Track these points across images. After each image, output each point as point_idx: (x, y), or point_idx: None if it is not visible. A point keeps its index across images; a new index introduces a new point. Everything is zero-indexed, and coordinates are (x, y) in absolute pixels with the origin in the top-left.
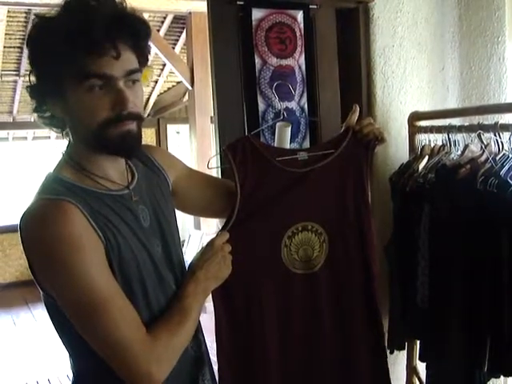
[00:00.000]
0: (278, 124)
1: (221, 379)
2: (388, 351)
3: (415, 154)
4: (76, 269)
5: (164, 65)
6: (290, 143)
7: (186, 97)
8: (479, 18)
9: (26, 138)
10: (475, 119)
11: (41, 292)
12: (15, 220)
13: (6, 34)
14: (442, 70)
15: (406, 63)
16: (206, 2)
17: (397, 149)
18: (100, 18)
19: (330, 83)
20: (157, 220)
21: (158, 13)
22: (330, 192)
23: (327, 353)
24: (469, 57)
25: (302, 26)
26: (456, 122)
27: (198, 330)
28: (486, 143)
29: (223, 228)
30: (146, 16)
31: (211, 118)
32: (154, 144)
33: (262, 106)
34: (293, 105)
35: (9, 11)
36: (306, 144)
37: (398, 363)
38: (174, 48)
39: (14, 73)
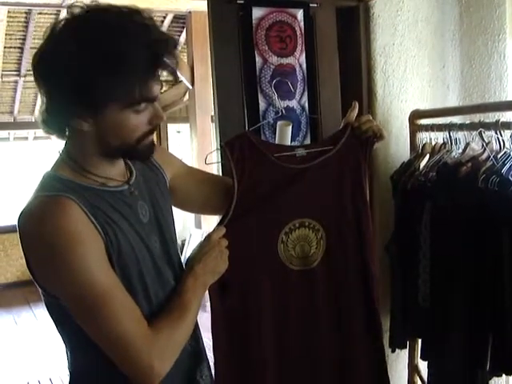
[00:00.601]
0: (278, 123)
1: (217, 375)
2: (389, 350)
3: (416, 152)
4: (76, 264)
5: None
6: (291, 142)
7: (187, 96)
8: (480, 16)
9: (26, 138)
10: (476, 117)
11: (39, 289)
12: (16, 220)
13: (6, 34)
14: (443, 68)
15: (407, 61)
16: (206, 1)
17: (398, 147)
18: (162, 45)
19: (331, 82)
20: (155, 216)
21: (158, 12)
22: (327, 188)
23: (324, 350)
24: (469, 55)
25: (302, 24)
26: (457, 120)
27: (196, 326)
28: (487, 141)
29: (220, 223)
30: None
31: (212, 117)
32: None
33: (262, 104)
34: (293, 103)
35: (9, 11)
36: (307, 143)
37: (399, 362)
38: None
39: (15, 73)
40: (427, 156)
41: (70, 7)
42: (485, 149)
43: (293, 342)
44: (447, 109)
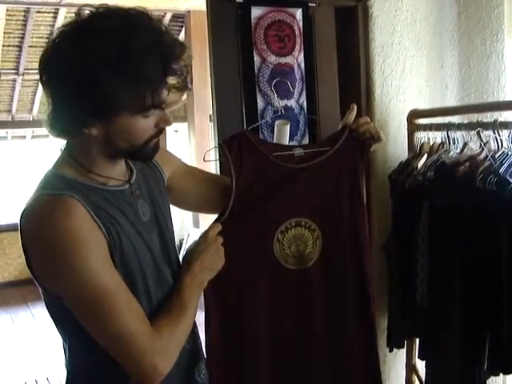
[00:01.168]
0: (276, 122)
1: (210, 374)
2: (387, 349)
3: (414, 151)
4: (80, 264)
5: None
6: (289, 141)
7: (185, 95)
8: (478, 16)
9: (24, 137)
10: (474, 117)
11: (39, 288)
12: (14, 219)
13: (4, 33)
14: (441, 67)
15: (405, 61)
16: (204, 1)
17: (396, 147)
18: (175, 52)
19: (329, 81)
20: (155, 214)
21: (157, 11)
22: (324, 189)
23: (318, 349)
24: (468, 55)
25: (301, 24)
26: (455, 119)
27: (194, 325)
28: (485, 141)
29: (216, 220)
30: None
31: (210, 116)
32: None
33: (260, 104)
34: (292, 103)
35: (8, 9)
36: (305, 142)
37: (397, 361)
38: None
39: (13, 71)
40: (425, 156)
41: (79, 9)
42: (483, 148)
43: (287, 341)
44: (445, 108)
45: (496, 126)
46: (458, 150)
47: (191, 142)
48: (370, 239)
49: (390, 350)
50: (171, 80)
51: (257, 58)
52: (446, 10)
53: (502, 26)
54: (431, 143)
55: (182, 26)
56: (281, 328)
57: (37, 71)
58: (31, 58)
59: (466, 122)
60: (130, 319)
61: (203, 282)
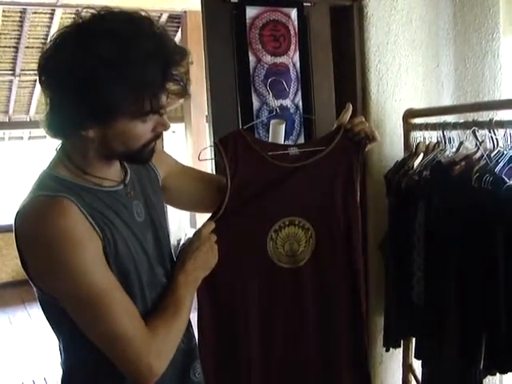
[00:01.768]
0: (272, 122)
1: (204, 373)
2: (384, 349)
3: (410, 151)
4: (74, 265)
5: None
6: (285, 141)
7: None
8: (474, 15)
9: (21, 138)
10: (470, 116)
11: (34, 288)
12: (11, 220)
13: (1, 34)
14: (437, 67)
15: (401, 61)
16: (200, 1)
17: (392, 146)
18: (175, 58)
19: (325, 81)
20: (149, 214)
21: (153, 12)
22: (318, 188)
23: (309, 348)
24: (463, 54)
25: (296, 23)
26: (451, 119)
27: (189, 324)
28: (480, 140)
29: (210, 218)
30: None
31: (207, 117)
32: None
33: (256, 103)
34: (287, 102)
35: (3, 10)
36: (301, 142)
37: (393, 361)
38: None
39: (10, 72)
40: (421, 155)
41: (79, 12)
42: (478, 147)
43: (279, 339)
44: (441, 108)
45: (492, 125)
46: (454, 150)
47: (188, 143)
48: (363, 239)
49: (387, 350)
50: (171, 86)
51: (252, 58)
52: (441, 9)
53: (498, 24)
54: (427, 142)
55: (178, 27)
56: (273, 326)
57: (34, 72)
58: (28, 59)
59: (461, 121)
60: (124, 319)
61: (197, 281)
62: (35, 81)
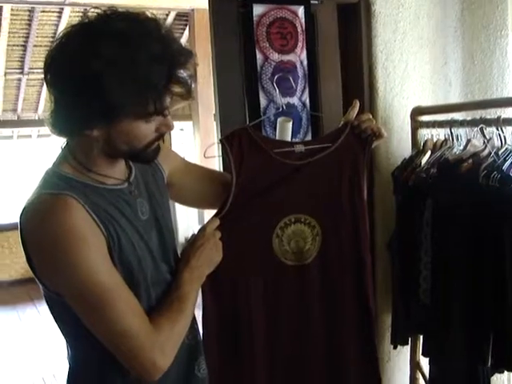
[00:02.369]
0: (279, 120)
1: (209, 370)
2: (391, 346)
3: (418, 148)
4: (79, 263)
5: None
6: (292, 138)
7: None
8: (482, 12)
9: (30, 136)
10: (477, 113)
11: (40, 285)
12: (18, 217)
13: (9, 33)
14: (445, 64)
15: (408, 58)
16: None
17: (399, 144)
18: (180, 60)
19: (332, 78)
20: (153, 212)
21: (161, 10)
22: (325, 185)
23: (316, 345)
24: (471, 51)
25: (303, 21)
26: (458, 116)
27: (194, 321)
28: (488, 137)
29: (216, 215)
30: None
31: (214, 115)
32: None
33: (263, 101)
34: (294, 100)
35: (12, 9)
36: (308, 139)
37: (401, 358)
38: None
39: (18, 71)
40: (428, 152)
41: (86, 10)
42: (486, 145)
43: (284, 337)
44: (449, 105)
45: (499, 122)
46: (462, 147)
47: (196, 141)
48: (370, 236)
49: (394, 347)
50: (175, 88)
51: (259, 56)
52: (449, 7)
53: (506, 21)
54: (434, 140)
55: (186, 25)
56: (278, 323)
57: (42, 70)
58: (36, 58)
59: (469, 118)
60: (129, 316)
61: (201, 277)
62: (43, 79)
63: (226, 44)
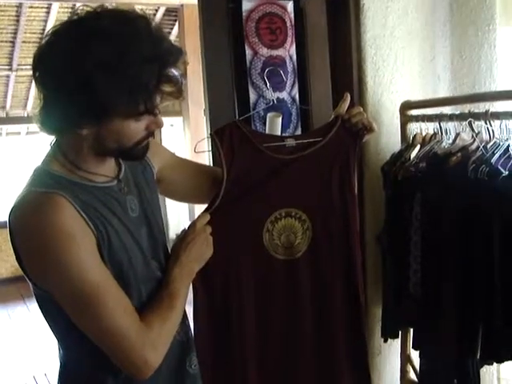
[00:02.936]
0: (268, 115)
1: (201, 365)
2: (382, 340)
3: (407, 142)
4: (69, 261)
5: None
6: (282, 133)
7: None
8: (470, 7)
9: (19, 133)
10: (466, 107)
11: (30, 283)
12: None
13: None
14: (433, 58)
15: (397, 53)
16: None
17: (388, 138)
18: (170, 59)
19: (321, 73)
20: (143, 209)
21: (150, 5)
22: (315, 180)
23: (306, 340)
24: (460, 45)
25: (292, 16)
26: (447, 110)
27: (185, 317)
28: (476, 131)
29: (206, 210)
30: (137, 9)
31: (205, 110)
32: None
33: (253, 96)
34: (284, 95)
35: (0, 5)
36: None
37: (391, 351)
38: None
39: (7, 67)
40: (418, 146)
41: (75, 9)
42: (475, 139)
43: (275, 331)
44: (438, 99)
45: (488, 116)
46: (451, 141)
47: (186, 136)
48: (360, 230)
49: (385, 341)
50: (166, 87)
51: (248, 51)
52: (438, 1)
53: (494, 16)
54: (424, 134)
55: (175, 20)
56: (269, 318)
57: (31, 67)
58: (25, 54)
59: (457, 112)
60: (119, 314)
61: (192, 273)
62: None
63: (216, 39)
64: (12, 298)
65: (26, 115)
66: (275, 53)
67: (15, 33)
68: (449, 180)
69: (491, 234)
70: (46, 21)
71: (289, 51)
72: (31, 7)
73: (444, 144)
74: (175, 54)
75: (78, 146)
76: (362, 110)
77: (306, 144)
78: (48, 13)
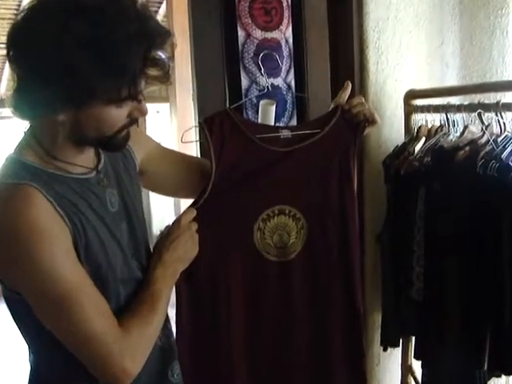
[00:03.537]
0: (261, 102)
1: (183, 372)
2: (381, 348)
3: (411, 135)
4: (41, 258)
5: None
6: (276, 123)
7: None
8: None
9: None
10: (476, 98)
11: None
12: None
13: None
14: (441, 44)
15: (402, 37)
16: None
17: (391, 130)
18: (156, 41)
19: (320, 58)
20: (123, 203)
21: None
22: (312, 175)
23: (298, 347)
24: (470, 30)
25: None
26: (455, 100)
27: (167, 320)
28: (486, 124)
29: (192, 205)
30: None
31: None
32: None
33: (245, 82)
34: (279, 81)
35: None
36: (293, 124)
37: (392, 361)
38: None
39: None
40: (423, 139)
41: None
42: (484, 132)
43: (266, 340)
44: (445, 88)
45: (499, 107)
46: (458, 134)
47: (173, 124)
48: (360, 230)
49: (385, 350)
50: (152, 71)
51: (241, 33)
52: None
53: None
54: (429, 126)
55: None
56: (260, 325)
57: (4, 45)
58: None
59: (466, 103)
60: (95, 318)
61: (175, 274)
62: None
63: (206, 19)
64: None
65: None
66: (270, 35)
67: None
68: (456, 176)
69: (501, 234)
70: None
71: (285, 34)
72: None
73: (451, 137)
74: (162, 36)
75: (54, 133)
76: (363, 100)
77: (302, 136)
78: None
